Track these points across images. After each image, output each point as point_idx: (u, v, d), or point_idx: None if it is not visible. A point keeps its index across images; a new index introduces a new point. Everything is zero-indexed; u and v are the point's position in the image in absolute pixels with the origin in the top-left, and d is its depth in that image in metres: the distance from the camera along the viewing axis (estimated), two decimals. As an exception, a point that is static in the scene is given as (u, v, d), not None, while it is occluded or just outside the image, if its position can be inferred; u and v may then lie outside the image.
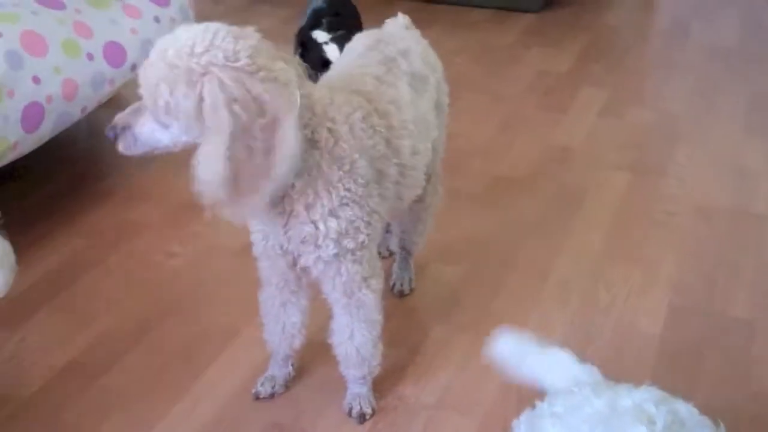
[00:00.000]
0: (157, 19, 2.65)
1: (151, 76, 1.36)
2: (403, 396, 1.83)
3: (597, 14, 4.38)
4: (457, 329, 2.03)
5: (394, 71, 1.70)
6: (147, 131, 1.42)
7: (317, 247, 1.52)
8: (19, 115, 2.14)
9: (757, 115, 3.18)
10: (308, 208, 1.48)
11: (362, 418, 1.75)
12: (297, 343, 1.79)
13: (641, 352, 1.95)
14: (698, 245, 2.38)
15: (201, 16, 3.47)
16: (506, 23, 4.18)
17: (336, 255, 1.53)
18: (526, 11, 4.31)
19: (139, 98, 1.41)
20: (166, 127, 1.40)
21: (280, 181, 1.38)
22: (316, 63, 2.42)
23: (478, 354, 1.94)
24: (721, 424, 1.17)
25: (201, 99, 1.32)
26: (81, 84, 2.33)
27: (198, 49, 1.33)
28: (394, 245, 2.17)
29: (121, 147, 1.45)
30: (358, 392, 1.76)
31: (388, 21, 1.91)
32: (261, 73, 1.34)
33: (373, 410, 1.76)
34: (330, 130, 1.47)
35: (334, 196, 1.48)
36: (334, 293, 1.62)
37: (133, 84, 2.67)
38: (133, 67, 2.53)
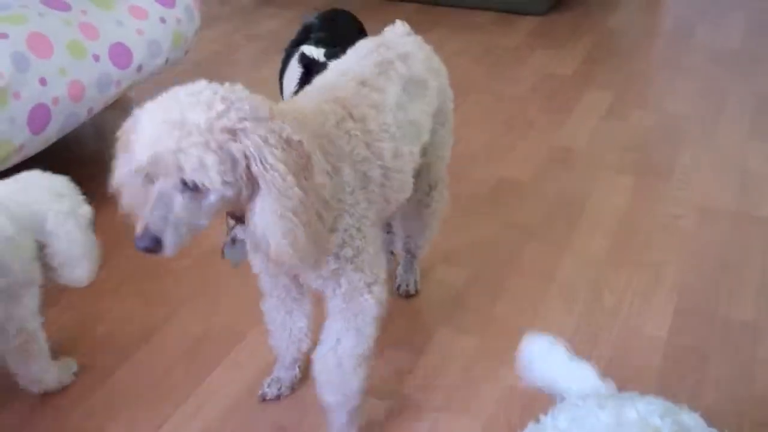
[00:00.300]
0: (162, 20, 2.65)
1: (177, 148, 1.22)
2: (408, 397, 1.83)
3: (601, 17, 4.38)
4: (462, 331, 2.03)
5: (387, 74, 1.67)
6: (186, 213, 1.27)
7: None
8: (26, 116, 2.15)
9: (762, 118, 3.18)
10: None
11: None
12: (304, 346, 1.79)
13: (646, 355, 1.95)
14: (703, 248, 2.38)
15: (207, 18, 3.48)
16: (511, 26, 4.18)
17: (335, 270, 1.49)
18: (530, 14, 4.32)
19: (149, 181, 1.29)
20: (204, 198, 1.27)
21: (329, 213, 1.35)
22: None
23: (483, 356, 1.95)
24: (728, 434, 1.17)
25: (245, 158, 1.24)
26: (87, 85, 2.33)
27: (219, 108, 1.24)
28: (397, 247, 2.17)
29: (170, 249, 1.29)
30: (339, 424, 1.65)
31: (387, 29, 1.88)
32: (278, 118, 1.29)
33: None
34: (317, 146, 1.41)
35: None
36: (334, 300, 1.57)
37: (137, 86, 2.69)
38: (140, 68, 2.54)
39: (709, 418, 1.19)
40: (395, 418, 1.78)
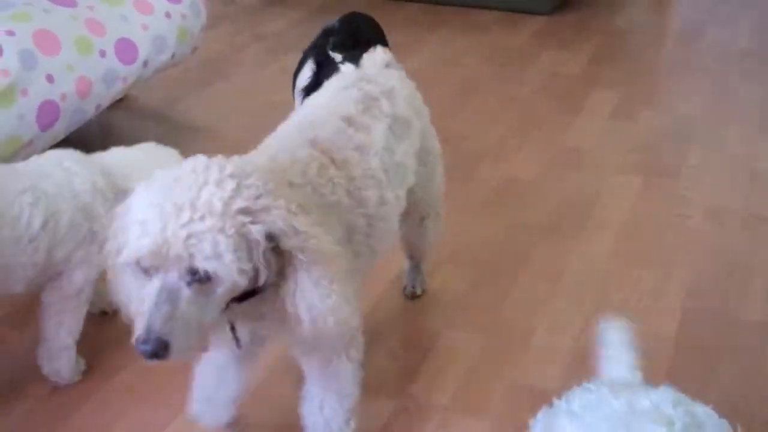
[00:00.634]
0: (168, 15, 2.66)
1: (187, 234, 1.09)
2: (416, 397, 1.82)
3: (609, 16, 4.37)
4: (469, 331, 2.02)
5: (372, 111, 1.56)
6: (194, 309, 1.13)
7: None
8: (35, 113, 2.15)
9: (771, 118, 3.17)
10: None
11: None
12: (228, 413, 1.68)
13: (656, 355, 1.93)
14: (711, 248, 2.37)
15: (212, 17, 3.48)
16: (516, 25, 4.17)
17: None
18: (534, 13, 4.30)
19: (148, 273, 1.14)
20: (214, 290, 1.14)
21: None
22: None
23: (490, 356, 1.94)
24: (739, 428, 1.17)
25: (271, 238, 1.15)
26: (94, 81, 2.34)
27: (230, 186, 1.13)
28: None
29: (178, 353, 1.13)
30: None
31: (366, 56, 1.77)
32: (277, 194, 1.19)
33: None
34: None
35: None
36: (310, 364, 1.46)
37: (142, 82, 2.68)
38: (145, 64, 2.54)
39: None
40: (402, 417, 1.77)
